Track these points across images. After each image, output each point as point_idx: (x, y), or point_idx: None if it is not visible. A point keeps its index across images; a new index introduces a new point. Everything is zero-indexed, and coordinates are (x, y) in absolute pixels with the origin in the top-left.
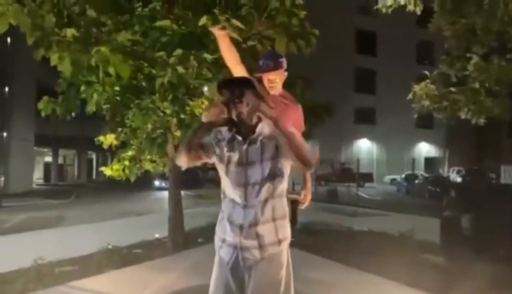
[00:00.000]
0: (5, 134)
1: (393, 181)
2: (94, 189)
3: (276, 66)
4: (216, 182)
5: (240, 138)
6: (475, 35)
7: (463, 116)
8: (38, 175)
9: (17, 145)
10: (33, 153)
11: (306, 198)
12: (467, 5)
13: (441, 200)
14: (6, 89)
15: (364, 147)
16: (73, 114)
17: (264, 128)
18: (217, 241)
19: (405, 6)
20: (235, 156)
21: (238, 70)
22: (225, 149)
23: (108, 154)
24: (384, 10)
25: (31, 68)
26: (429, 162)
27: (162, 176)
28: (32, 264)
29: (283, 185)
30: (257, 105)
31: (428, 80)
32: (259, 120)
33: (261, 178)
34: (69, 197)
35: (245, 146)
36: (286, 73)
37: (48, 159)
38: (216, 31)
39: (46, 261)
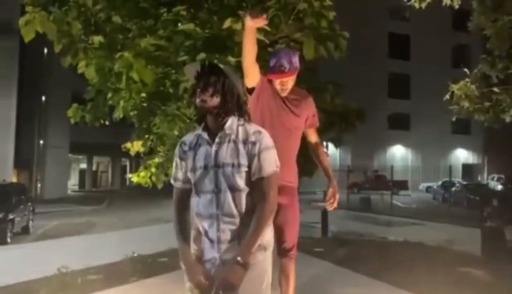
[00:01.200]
0: (41, 142)
1: (428, 188)
2: (127, 195)
3: (292, 70)
4: None
5: (206, 137)
6: None
7: (508, 119)
8: (73, 181)
9: (53, 152)
10: (68, 160)
11: (332, 198)
12: (509, 1)
13: (481, 209)
14: (43, 98)
15: (398, 153)
16: (107, 122)
17: (235, 126)
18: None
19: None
20: (201, 158)
21: (256, 70)
22: (191, 156)
23: (141, 161)
24: (417, 5)
25: (66, 77)
26: (467, 169)
27: None
28: (55, 272)
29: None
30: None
31: (467, 79)
32: (228, 115)
33: (230, 183)
34: (102, 203)
35: (213, 147)
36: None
37: (83, 166)
38: (251, 19)
39: (70, 269)
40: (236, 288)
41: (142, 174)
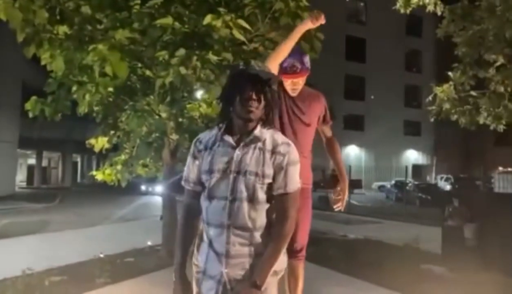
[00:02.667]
0: None
1: (381, 187)
2: (79, 192)
3: (304, 70)
4: None
5: (230, 140)
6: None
7: (481, 121)
8: (20, 177)
9: (0, 147)
10: (16, 155)
11: (340, 196)
12: (479, 11)
13: (433, 207)
14: None
15: (353, 153)
16: (59, 116)
17: (264, 134)
18: (196, 274)
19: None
20: (220, 160)
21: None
22: (208, 157)
23: (94, 157)
24: (402, 10)
25: (16, 68)
26: (417, 169)
27: (149, 181)
28: (16, 274)
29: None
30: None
31: (451, 83)
32: (258, 123)
33: (249, 193)
34: (53, 201)
35: (237, 151)
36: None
37: (31, 161)
38: (312, 22)
39: (36, 271)
40: None
41: (108, 171)
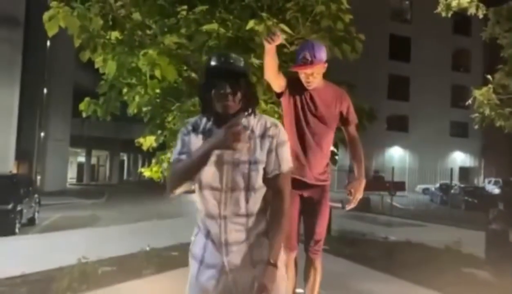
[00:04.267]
0: (42, 134)
1: (425, 190)
2: (126, 190)
3: (313, 61)
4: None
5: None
6: None
7: None
8: (71, 175)
9: (53, 145)
10: (68, 153)
11: (353, 194)
12: None
13: (486, 212)
14: (45, 90)
15: (396, 155)
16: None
17: (250, 121)
18: (193, 264)
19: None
20: (213, 155)
21: (280, 77)
22: (199, 141)
23: (140, 156)
24: (444, 14)
25: (68, 70)
26: (464, 172)
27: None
28: (72, 263)
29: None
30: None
31: (490, 85)
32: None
33: (245, 182)
34: (102, 197)
35: None
36: (325, 65)
37: (81, 159)
38: (268, 43)
39: (89, 260)
40: (271, 290)
41: (155, 169)
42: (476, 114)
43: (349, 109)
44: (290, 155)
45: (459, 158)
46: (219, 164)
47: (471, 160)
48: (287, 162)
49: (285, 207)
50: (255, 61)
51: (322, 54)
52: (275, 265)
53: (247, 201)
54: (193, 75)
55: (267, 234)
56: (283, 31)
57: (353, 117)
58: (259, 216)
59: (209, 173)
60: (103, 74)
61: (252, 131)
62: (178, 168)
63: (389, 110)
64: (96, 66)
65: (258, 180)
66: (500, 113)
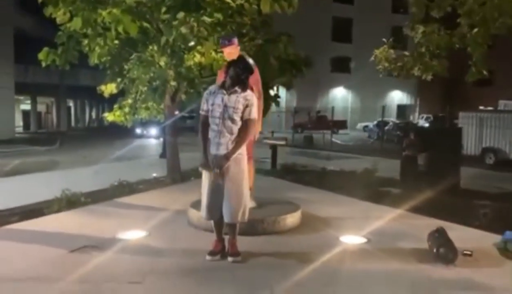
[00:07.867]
0: None
1: (365, 127)
2: (76, 136)
3: (230, 43)
4: (195, 131)
5: (224, 91)
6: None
7: (415, 73)
8: (16, 123)
9: None
10: (14, 101)
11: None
12: None
13: (401, 141)
14: None
15: (340, 95)
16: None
17: (240, 90)
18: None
19: None
20: (218, 100)
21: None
22: (213, 98)
23: (86, 102)
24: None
25: (8, 17)
26: (401, 109)
27: (143, 125)
28: (56, 196)
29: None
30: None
31: (385, 46)
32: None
33: (231, 116)
34: (54, 144)
35: (226, 96)
36: (238, 47)
37: (25, 107)
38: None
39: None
40: (223, 167)
41: (117, 113)
42: (380, 66)
43: (258, 77)
44: (256, 110)
45: (397, 97)
46: (220, 106)
47: (408, 98)
48: (253, 114)
49: (247, 134)
50: (206, 19)
51: (235, 40)
52: (227, 158)
53: (231, 126)
54: (148, 26)
55: (235, 142)
56: None
57: (260, 84)
58: (235, 135)
59: (215, 110)
60: (61, 25)
61: (239, 94)
62: (201, 125)
63: (333, 52)
64: (59, 21)
65: (236, 117)
66: (394, 66)
